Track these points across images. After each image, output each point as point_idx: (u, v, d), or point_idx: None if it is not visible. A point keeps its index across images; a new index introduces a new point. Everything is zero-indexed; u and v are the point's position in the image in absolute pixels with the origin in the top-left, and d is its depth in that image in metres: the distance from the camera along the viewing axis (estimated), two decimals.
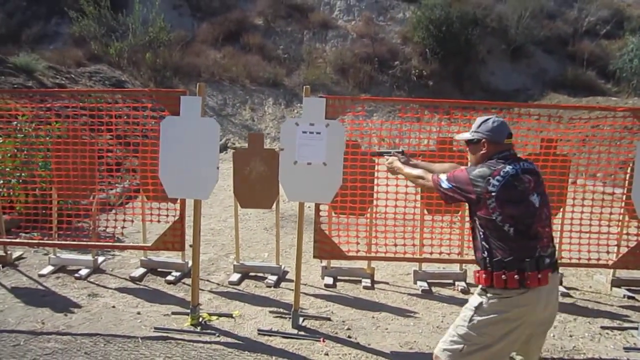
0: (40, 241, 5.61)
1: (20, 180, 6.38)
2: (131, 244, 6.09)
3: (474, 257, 5.10)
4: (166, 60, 18.27)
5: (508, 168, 2.66)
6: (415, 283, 5.50)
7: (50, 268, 5.57)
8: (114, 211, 6.06)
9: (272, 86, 18.75)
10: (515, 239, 2.63)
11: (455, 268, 5.61)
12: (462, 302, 5.00)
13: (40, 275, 5.43)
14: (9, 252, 5.78)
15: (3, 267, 5.62)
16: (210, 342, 4.12)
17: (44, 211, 5.71)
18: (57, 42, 19.52)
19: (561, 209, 5.24)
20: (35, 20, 20.50)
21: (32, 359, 3.79)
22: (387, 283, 5.55)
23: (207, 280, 5.45)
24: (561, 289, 5.35)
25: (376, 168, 5.10)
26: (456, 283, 5.47)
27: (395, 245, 5.08)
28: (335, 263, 5.59)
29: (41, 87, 12.00)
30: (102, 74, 15.76)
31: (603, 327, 4.58)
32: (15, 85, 11.17)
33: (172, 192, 4.48)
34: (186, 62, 18.63)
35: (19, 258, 5.92)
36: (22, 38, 19.17)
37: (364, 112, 4.83)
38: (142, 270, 5.56)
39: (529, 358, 2.87)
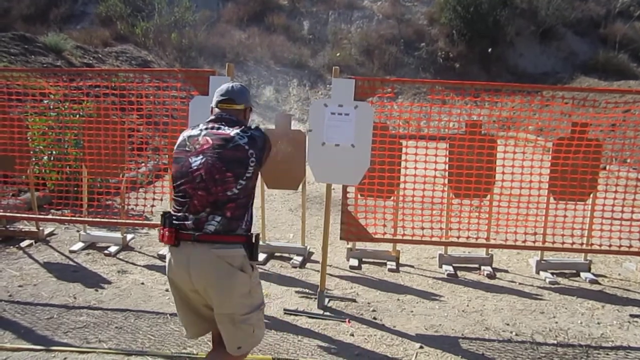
0: (72, 218, 5.73)
1: (52, 158, 6.50)
2: (158, 222, 6.17)
3: (500, 242, 5.10)
4: (191, 41, 18.32)
5: (195, 128, 2.75)
6: (440, 267, 5.48)
7: (80, 244, 5.70)
8: (141, 190, 6.16)
9: (296, 67, 18.68)
10: (175, 194, 2.70)
11: (481, 253, 5.57)
12: (488, 287, 5.01)
13: (71, 251, 5.56)
14: (41, 228, 5.93)
15: (35, 242, 5.76)
16: None
17: (75, 189, 5.83)
18: (84, 21, 19.71)
19: (591, 195, 5.16)
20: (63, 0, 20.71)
21: (66, 331, 3.90)
22: (412, 266, 5.54)
23: None
24: (589, 275, 5.29)
25: (404, 151, 5.07)
26: (482, 267, 5.43)
27: (423, 228, 5.06)
28: (360, 245, 5.60)
29: (69, 66, 12.14)
30: (128, 53, 15.87)
31: (632, 315, 4.51)
32: (45, 65, 11.33)
33: None
34: (211, 42, 18.65)
35: (51, 234, 6.06)
36: (50, 18, 19.40)
37: (393, 93, 4.79)
38: None
39: (224, 336, 2.70)
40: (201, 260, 2.55)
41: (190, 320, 2.83)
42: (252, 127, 2.77)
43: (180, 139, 2.76)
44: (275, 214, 7.33)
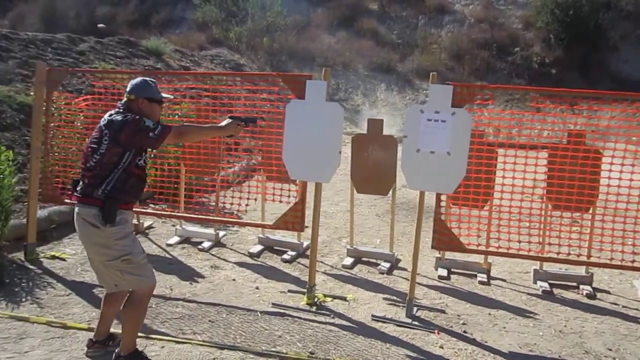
0: (170, 213, 6.01)
1: (153, 155, 6.85)
2: (251, 221, 6.34)
3: (604, 261, 4.77)
4: (282, 45, 18.74)
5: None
6: (534, 283, 5.22)
7: (176, 239, 5.97)
8: (232, 189, 6.35)
9: (385, 72, 18.58)
10: None
11: (579, 270, 5.25)
12: (587, 308, 4.73)
13: (168, 245, 5.84)
14: (141, 222, 6.27)
15: (135, 234, 6.08)
16: (325, 323, 4.20)
17: (175, 185, 6.10)
18: (182, 26, 20.73)
19: None
20: (163, 6, 21.95)
21: (163, 321, 4.09)
22: (504, 280, 5.32)
23: (321, 262, 5.56)
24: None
25: (500, 160, 4.88)
26: (581, 286, 5.11)
27: (519, 242, 4.81)
28: (449, 255, 5.46)
29: (168, 68, 12.81)
30: (222, 57, 16.51)
31: None
32: (146, 67, 12.01)
33: (295, 174, 4.59)
34: (301, 46, 18.98)
35: (149, 227, 6.41)
36: (151, 23, 20.59)
37: (493, 100, 4.63)
38: (259, 247, 5.79)
39: (98, 277, 3.47)
40: (80, 218, 3.22)
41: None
42: (123, 115, 3.24)
43: None
44: (362, 218, 7.31)
